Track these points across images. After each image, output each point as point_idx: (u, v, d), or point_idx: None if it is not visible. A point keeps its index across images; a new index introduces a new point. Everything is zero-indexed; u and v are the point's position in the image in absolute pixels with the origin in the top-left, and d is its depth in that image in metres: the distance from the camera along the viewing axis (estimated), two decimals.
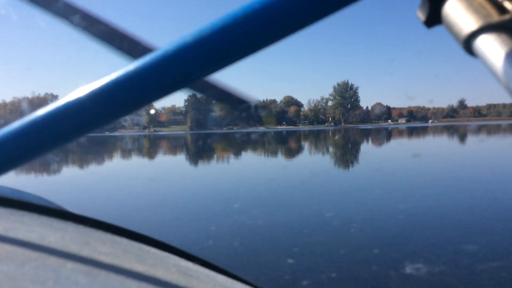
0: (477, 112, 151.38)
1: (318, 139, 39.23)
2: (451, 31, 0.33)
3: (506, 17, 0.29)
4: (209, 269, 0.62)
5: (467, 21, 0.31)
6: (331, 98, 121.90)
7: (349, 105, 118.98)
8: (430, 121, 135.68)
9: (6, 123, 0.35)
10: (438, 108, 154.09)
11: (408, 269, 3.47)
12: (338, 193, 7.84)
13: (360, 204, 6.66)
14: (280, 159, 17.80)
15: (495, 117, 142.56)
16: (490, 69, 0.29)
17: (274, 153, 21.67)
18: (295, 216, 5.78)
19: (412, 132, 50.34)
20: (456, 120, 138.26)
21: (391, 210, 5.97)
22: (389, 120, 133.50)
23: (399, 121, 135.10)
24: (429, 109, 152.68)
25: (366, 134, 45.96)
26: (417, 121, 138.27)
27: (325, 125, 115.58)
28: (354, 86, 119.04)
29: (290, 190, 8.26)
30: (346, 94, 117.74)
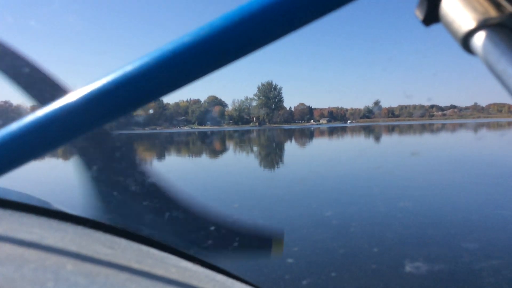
0: (391, 112, 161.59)
1: (243, 139, 38.80)
2: (449, 29, 0.33)
3: (504, 15, 0.29)
4: (208, 269, 0.62)
5: (465, 19, 0.31)
6: (256, 98, 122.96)
7: (273, 105, 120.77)
8: (349, 121, 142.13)
9: (5, 123, 0.36)
10: (356, 109, 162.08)
11: (408, 268, 3.46)
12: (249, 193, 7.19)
13: (284, 205, 6.22)
14: (207, 159, 16.94)
15: (407, 117, 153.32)
16: (488, 67, 0.29)
17: (198, 153, 20.67)
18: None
19: (332, 131, 51.83)
20: (372, 120, 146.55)
21: (319, 215, 5.49)
22: (312, 121, 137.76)
23: (321, 121, 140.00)
24: (347, 109, 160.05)
25: (290, 134, 46.46)
26: (337, 121, 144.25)
27: (250, 125, 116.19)
28: (278, 86, 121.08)
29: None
30: (270, 94, 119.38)
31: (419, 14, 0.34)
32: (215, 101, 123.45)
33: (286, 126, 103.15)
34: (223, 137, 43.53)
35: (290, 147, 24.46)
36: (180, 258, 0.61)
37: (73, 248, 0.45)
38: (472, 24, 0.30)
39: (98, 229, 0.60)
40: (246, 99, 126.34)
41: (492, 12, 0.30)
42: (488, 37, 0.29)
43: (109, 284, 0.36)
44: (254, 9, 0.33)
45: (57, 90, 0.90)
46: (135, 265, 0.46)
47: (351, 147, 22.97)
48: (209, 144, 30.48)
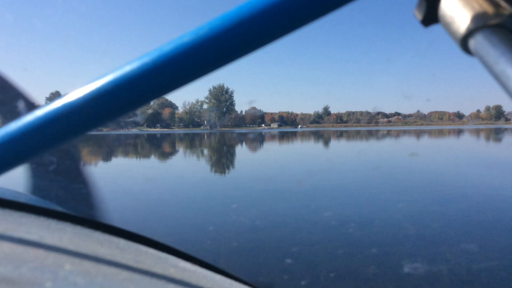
0: (339, 118, 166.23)
1: (193, 142, 38.16)
2: (448, 30, 0.33)
3: (503, 16, 0.29)
4: (207, 270, 0.62)
5: (464, 20, 0.31)
6: (207, 101, 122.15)
7: (224, 109, 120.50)
8: (299, 126, 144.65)
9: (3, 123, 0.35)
10: (306, 114, 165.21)
11: (406, 269, 3.49)
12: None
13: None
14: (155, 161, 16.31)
15: (355, 123, 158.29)
16: (487, 68, 0.29)
17: (145, 156, 19.95)
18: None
19: (283, 136, 52.28)
20: (322, 125, 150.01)
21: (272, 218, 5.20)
22: (263, 125, 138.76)
23: (272, 125, 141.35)
24: (297, 114, 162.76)
25: (242, 138, 46.30)
26: (287, 125, 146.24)
27: (200, 128, 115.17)
28: (230, 89, 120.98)
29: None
30: (222, 98, 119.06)
31: (418, 15, 0.34)
32: (165, 103, 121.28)
33: (237, 130, 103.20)
34: (173, 140, 42.67)
35: (241, 152, 24.22)
36: (178, 258, 0.61)
37: (71, 248, 0.45)
38: (471, 25, 0.30)
39: (97, 229, 0.60)
40: (197, 102, 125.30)
41: (491, 13, 0.30)
42: (487, 38, 0.29)
43: (107, 284, 0.36)
44: (254, 9, 0.33)
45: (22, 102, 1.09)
46: (133, 265, 0.46)
47: (303, 151, 23.10)
48: (157, 147, 29.66)
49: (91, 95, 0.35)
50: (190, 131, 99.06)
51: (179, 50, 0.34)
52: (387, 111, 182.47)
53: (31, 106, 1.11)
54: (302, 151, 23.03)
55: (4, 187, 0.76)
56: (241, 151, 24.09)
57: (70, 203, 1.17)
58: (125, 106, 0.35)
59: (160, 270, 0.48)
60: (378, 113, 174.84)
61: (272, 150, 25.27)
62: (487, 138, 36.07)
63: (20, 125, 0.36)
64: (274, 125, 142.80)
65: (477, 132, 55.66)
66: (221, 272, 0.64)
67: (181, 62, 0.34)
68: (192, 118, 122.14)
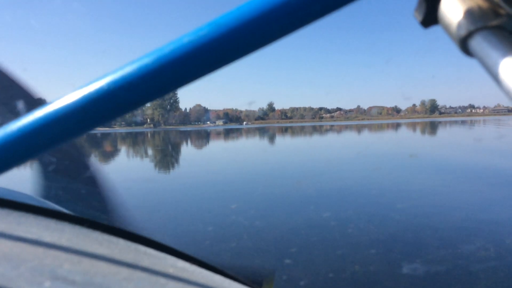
0: (284, 114, 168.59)
1: (136, 141, 36.87)
2: (448, 31, 0.33)
3: (503, 17, 0.29)
4: (206, 270, 0.62)
5: (463, 21, 0.31)
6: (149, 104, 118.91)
7: (168, 106, 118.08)
8: (244, 122, 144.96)
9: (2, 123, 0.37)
10: (250, 111, 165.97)
11: (405, 269, 3.48)
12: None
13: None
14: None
15: (300, 119, 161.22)
16: (486, 69, 0.29)
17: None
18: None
19: (229, 133, 51.99)
20: (267, 121, 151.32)
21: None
22: (208, 122, 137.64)
23: (217, 122, 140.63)
24: (242, 111, 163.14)
25: (187, 136, 45.46)
26: (233, 122, 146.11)
27: (144, 127, 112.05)
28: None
29: None
30: (164, 103, 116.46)
31: (418, 16, 0.34)
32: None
33: (182, 128, 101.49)
34: (114, 139, 41.00)
35: (186, 150, 23.60)
36: (177, 258, 0.61)
37: (70, 247, 0.45)
38: (470, 26, 0.30)
39: (96, 228, 0.60)
40: None
41: (491, 14, 0.30)
42: (487, 39, 0.29)
43: (106, 284, 0.36)
44: (254, 9, 0.33)
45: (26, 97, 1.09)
46: (132, 265, 0.46)
47: (251, 148, 22.90)
48: (96, 146, 28.27)
49: (90, 96, 0.35)
50: (133, 129, 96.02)
51: (179, 51, 0.34)
52: (329, 106, 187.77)
53: (35, 102, 1.11)
54: (250, 148, 22.80)
55: (3, 187, 0.78)
56: (185, 150, 23.44)
57: (80, 206, 1.16)
58: (125, 107, 0.35)
59: (159, 270, 0.49)
60: (321, 109, 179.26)
61: (216, 147, 24.89)
62: (422, 131, 37.81)
63: (19, 125, 0.36)
64: (220, 122, 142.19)
65: (413, 125, 58.42)
66: (220, 272, 0.63)
67: (181, 63, 0.34)
68: (135, 116, 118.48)
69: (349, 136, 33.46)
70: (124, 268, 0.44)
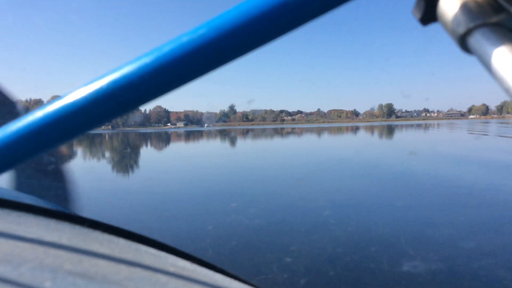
0: (245, 116, 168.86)
1: (93, 143, 35.91)
2: (447, 28, 0.33)
3: (502, 14, 0.29)
4: (207, 268, 0.62)
5: (462, 18, 0.31)
6: None
7: None
8: (205, 125, 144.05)
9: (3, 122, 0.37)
10: (212, 113, 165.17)
11: (406, 267, 3.51)
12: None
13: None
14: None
15: (261, 121, 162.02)
16: (485, 67, 0.29)
17: None
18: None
19: (190, 135, 51.56)
20: (228, 124, 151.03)
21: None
22: (169, 124, 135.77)
23: (178, 124, 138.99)
24: (202, 113, 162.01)
25: (147, 138, 44.67)
26: (194, 124, 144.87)
27: (101, 129, 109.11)
28: None
29: None
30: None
31: (417, 14, 0.34)
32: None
33: (142, 130, 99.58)
34: (69, 142, 39.62)
35: (146, 152, 23.27)
36: (178, 257, 0.61)
37: (71, 247, 0.45)
38: (469, 24, 0.30)
39: (96, 228, 0.60)
40: None
41: (490, 12, 0.30)
42: (485, 36, 0.29)
43: (107, 284, 0.36)
44: (253, 9, 0.33)
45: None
46: (133, 265, 0.46)
47: (212, 150, 22.85)
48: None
49: (89, 96, 0.35)
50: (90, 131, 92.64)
51: (178, 50, 0.33)
52: (290, 109, 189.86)
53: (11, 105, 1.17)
54: (215, 152, 22.77)
55: (2, 186, 0.76)
56: (145, 153, 23.11)
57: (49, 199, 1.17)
58: (124, 107, 0.35)
59: (160, 270, 0.48)
60: (282, 111, 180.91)
61: (177, 150, 24.69)
62: (380, 135, 39.01)
63: (19, 126, 0.36)
64: (180, 124, 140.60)
65: (371, 128, 60.12)
66: (220, 271, 0.63)
67: (180, 62, 0.34)
68: None
69: (303, 140, 34.00)
70: (125, 268, 0.43)
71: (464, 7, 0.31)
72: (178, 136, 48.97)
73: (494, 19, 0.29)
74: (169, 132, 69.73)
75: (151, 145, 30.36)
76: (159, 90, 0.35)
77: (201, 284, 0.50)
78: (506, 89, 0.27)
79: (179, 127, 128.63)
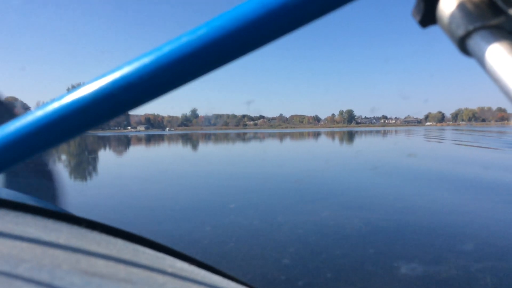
0: (208, 120, 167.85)
1: None
2: (446, 31, 0.33)
3: (501, 17, 0.29)
4: (204, 270, 0.62)
5: (462, 21, 0.31)
6: None
7: None
8: (167, 128, 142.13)
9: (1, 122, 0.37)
10: (173, 117, 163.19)
11: (404, 269, 3.53)
12: None
13: None
14: None
15: (224, 126, 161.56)
16: (485, 69, 0.29)
17: None
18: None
19: (150, 139, 50.64)
20: (190, 128, 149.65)
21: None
22: (129, 127, 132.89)
23: (138, 128, 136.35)
24: (164, 117, 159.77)
25: (105, 142, 43.48)
26: (155, 128, 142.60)
27: None
28: None
29: None
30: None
31: (416, 16, 0.35)
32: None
33: (101, 133, 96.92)
34: None
35: (104, 157, 22.61)
36: (176, 259, 0.61)
37: (68, 248, 0.45)
38: (469, 26, 0.30)
39: (94, 229, 0.60)
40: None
41: (489, 14, 0.30)
42: (485, 39, 0.29)
43: (104, 284, 0.36)
44: (253, 9, 0.33)
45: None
46: (131, 266, 0.46)
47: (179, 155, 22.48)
48: None
49: (89, 96, 0.35)
50: None
51: (178, 50, 0.33)
52: (253, 114, 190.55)
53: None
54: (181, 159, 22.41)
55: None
56: (104, 158, 22.44)
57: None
58: (124, 107, 0.35)
59: (158, 271, 0.48)
60: (244, 116, 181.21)
61: (137, 156, 24.16)
62: (340, 139, 39.75)
63: (18, 125, 0.36)
64: (141, 127, 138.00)
65: (332, 134, 61.27)
66: (218, 272, 0.63)
67: (180, 62, 0.34)
68: None
69: (263, 145, 34.18)
70: (123, 269, 0.43)
71: (464, 10, 0.31)
72: (139, 140, 47.89)
73: (494, 21, 0.29)
74: (129, 136, 68.13)
75: (110, 149, 29.51)
76: (158, 90, 0.35)
77: (199, 285, 0.50)
78: (505, 92, 0.27)
79: (139, 131, 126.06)
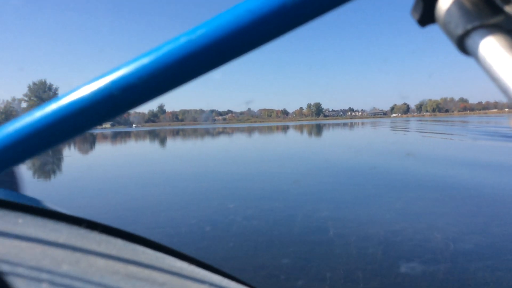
0: (175, 116, 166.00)
1: None
2: (445, 30, 0.33)
3: (500, 16, 0.30)
4: (204, 269, 0.62)
5: (461, 20, 0.31)
6: (26, 99, 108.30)
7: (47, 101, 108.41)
8: (134, 125, 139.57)
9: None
10: (140, 113, 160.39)
11: (403, 269, 3.52)
12: None
13: None
14: None
15: (192, 121, 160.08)
16: (483, 68, 0.29)
17: None
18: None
19: (117, 136, 49.58)
20: (158, 124, 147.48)
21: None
22: None
23: (104, 125, 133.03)
24: (130, 113, 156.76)
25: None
26: (121, 125, 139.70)
27: None
28: (54, 86, 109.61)
29: None
30: (44, 95, 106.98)
31: (415, 15, 0.35)
32: (14, 103, 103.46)
33: None
34: None
35: (69, 155, 21.96)
36: (175, 258, 0.61)
37: (68, 248, 0.45)
38: (468, 25, 0.30)
39: (94, 229, 0.60)
40: (14, 99, 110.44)
41: (488, 13, 0.30)
42: (484, 38, 0.29)
43: (104, 284, 0.36)
44: (252, 9, 0.33)
45: None
46: (130, 265, 0.46)
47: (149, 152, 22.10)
48: None
49: (88, 96, 0.35)
50: None
51: (177, 50, 0.34)
52: (220, 109, 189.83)
53: None
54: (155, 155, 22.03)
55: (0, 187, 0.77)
56: (68, 156, 21.80)
57: None
58: (123, 107, 0.35)
59: (157, 270, 0.48)
60: (213, 111, 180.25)
61: (103, 153, 23.60)
62: (309, 133, 40.16)
63: (17, 126, 0.36)
64: (107, 124, 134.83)
65: (301, 127, 61.78)
66: (218, 272, 0.63)
67: (179, 62, 0.34)
68: (8, 119, 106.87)
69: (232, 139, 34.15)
70: (122, 268, 0.43)
71: (462, 9, 0.31)
72: (105, 138, 46.83)
73: (492, 20, 0.29)
74: (95, 133, 66.44)
75: (75, 147, 28.68)
76: (157, 90, 0.35)
77: (199, 284, 0.50)
78: (504, 90, 0.27)
79: (105, 128, 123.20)
